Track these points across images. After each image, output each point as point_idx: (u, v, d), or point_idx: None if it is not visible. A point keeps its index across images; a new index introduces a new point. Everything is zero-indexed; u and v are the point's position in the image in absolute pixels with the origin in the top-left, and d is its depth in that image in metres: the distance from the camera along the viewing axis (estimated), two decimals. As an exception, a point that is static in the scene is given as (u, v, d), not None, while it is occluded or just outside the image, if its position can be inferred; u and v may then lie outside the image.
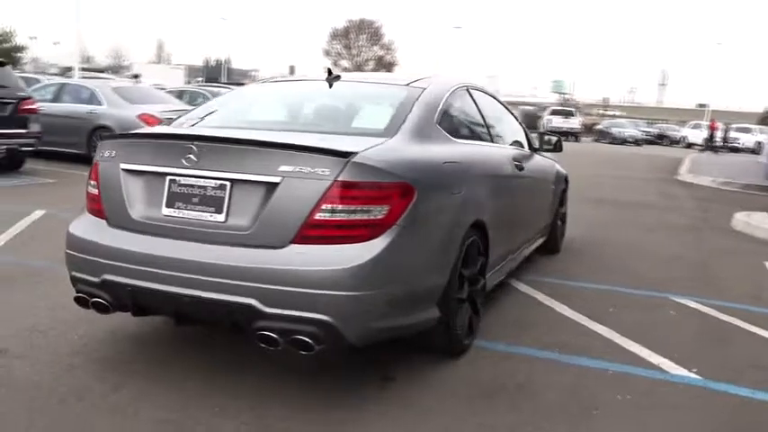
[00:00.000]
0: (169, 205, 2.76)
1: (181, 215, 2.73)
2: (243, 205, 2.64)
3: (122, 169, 2.88)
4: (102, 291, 2.81)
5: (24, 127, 9.40)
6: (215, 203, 2.68)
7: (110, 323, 3.39)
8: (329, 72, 3.70)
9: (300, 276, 2.49)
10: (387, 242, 2.59)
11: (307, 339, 2.50)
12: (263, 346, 2.57)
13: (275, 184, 2.57)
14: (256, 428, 2.50)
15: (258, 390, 2.82)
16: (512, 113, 4.92)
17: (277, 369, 3.03)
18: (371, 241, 2.57)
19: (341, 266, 2.50)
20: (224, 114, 3.57)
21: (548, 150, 5.18)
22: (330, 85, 3.67)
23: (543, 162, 5.22)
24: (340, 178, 2.53)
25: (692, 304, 4.44)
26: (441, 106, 3.39)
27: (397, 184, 2.66)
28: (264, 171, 2.59)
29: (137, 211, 2.82)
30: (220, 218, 2.66)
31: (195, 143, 2.71)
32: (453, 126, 3.57)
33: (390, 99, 3.35)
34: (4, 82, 9.71)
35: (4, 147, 9.11)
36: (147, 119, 10.60)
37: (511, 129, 4.85)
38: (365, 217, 2.57)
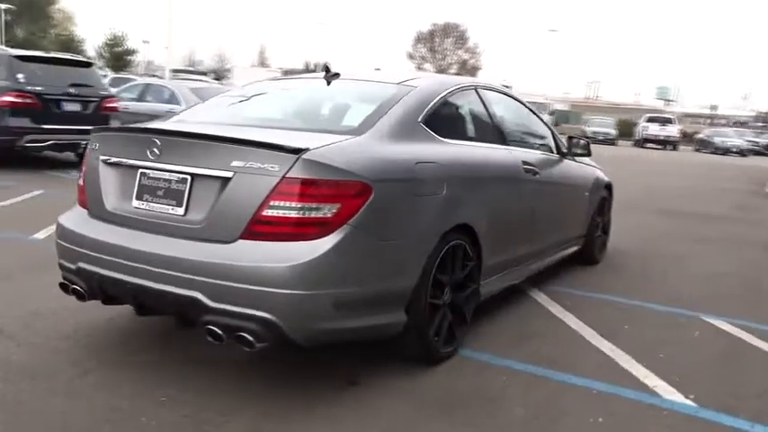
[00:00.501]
0: (139, 197, 2.84)
1: (148, 207, 2.80)
2: (200, 199, 2.67)
3: (101, 161, 2.99)
4: (78, 278, 2.92)
5: (105, 124, 10.00)
6: (177, 197, 2.72)
7: (109, 312, 3.51)
8: (327, 69, 3.68)
9: (246, 272, 2.48)
10: (336, 241, 2.53)
11: (249, 337, 2.49)
12: (210, 340, 2.58)
13: (228, 179, 2.59)
14: (195, 421, 2.51)
15: (210, 385, 2.83)
16: (538, 117, 4.71)
17: (241, 367, 3.04)
18: (319, 240, 2.52)
19: (285, 264, 2.47)
20: (217, 110, 3.64)
21: (578, 155, 4.91)
22: (328, 83, 3.65)
23: (575, 168, 4.97)
24: (289, 174, 2.50)
25: (724, 326, 4.07)
26: (430, 105, 3.29)
27: (351, 183, 2.60)
28: (219, 166, 2.61)
29: (111, 202, 2.92)
30: (180, 211, 2.71)
31: (158, 137, 2.77)
32: (446, 126, 3.46)
33: (375, 97, 3.28)
34: (89, 81, 10.41)
35: (86, 142, 9.74)
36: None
37: (533, 132, 4.65)
38: (314, 215, 2.52)
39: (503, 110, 4.20)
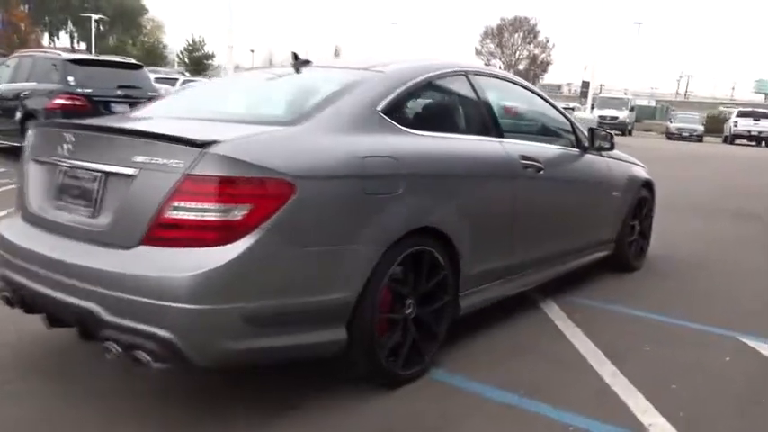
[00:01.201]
0: (57, 198, 2.61)
1: (64, 209, 2.57)
2: (109, 200, 2.40)
3: (31, 160, 2.78)
4: (4, 284, 2.73)
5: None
6: (88, 197, 2.47)
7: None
8: (295, 57, 3.35)
9: (142, 283, 2.19)
10: (245, 248, 2.20)
11: (146, 356, 2.19)
12: (108, 357, 2.30)
13: (132, 177, 2.30)
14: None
15: (132, 411, 2.56)
16: (555, 107, 4.19)
17: (167, 384, 2.76)
18: (226, 246, 2.19)
19: (185, 274, 2.15)
20: (177, 102, 3.38)
21: (601, 149, 4.36)
22: (297, 71, 3.32)
23: (600, 165, 4.41)
24: (192, 171, 2.19)
25: (766, 350, 3.45)
26: (395, 93, 2.89)
27: (266, 180, 2.25)
28: (123, 162, 2.33)
29: (35, 203, 2.71)
30: (90, 213, 2.45)
31: (71, 132, 2.53)
32: (416, 116, 3.06)
33: (334, 85, 2.92)
34: (138, 83, 10.60)
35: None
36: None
37: (544, 124, 4.15)
38: (221, 217, 2.20)
39: (501, 99, 3.73)
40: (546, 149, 3.85)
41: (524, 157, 3.49)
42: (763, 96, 74.27)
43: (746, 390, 2.98)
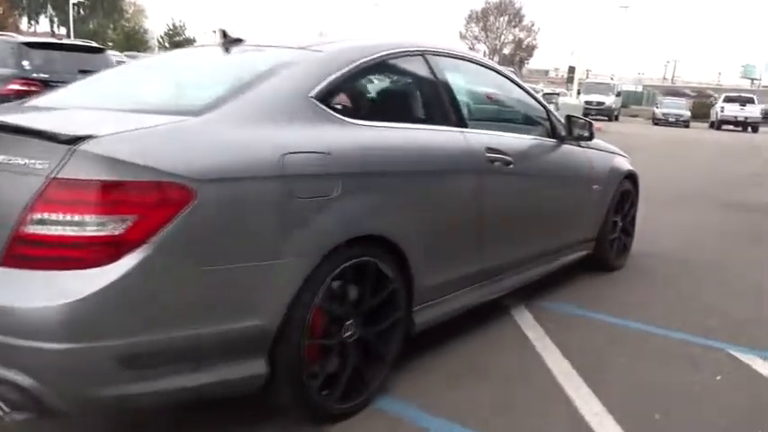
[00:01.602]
0: None
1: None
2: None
3: None
4: None
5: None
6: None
7: None
8: (224, 35, 2.90)
9: (-5, 314, 1.75)
10: (129, 269, 1.76)
11: (1, 405, 1.76)
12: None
13: (-10, 181, 1.85)
14: None
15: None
16: (529, 93, 3.76)
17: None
18: (103, 268, 1.75)
19: (48, 304, 1.72)
20: (80, 90, 2.90)
21: (579, 139, 3.94)
22: (226, 51, 2.87)
23: (579, 156, 4.00)
24: (58, 174, 1.75)
25: (762, 367, 3.07)
26: (333, 77, 2.45)
27: (155, 184, 1.81)
28: (-20, 162, 1.88)
29: None
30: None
31: None
32: (359, 103, 2.64)
33: (260, 67, 2.48)
34: (100, 67, 10.01)
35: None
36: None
37: (517, 112, 3.73)
38: (96, 232, 1.75)
39: (466, 83, 3.31)
40: (516, 140, 3.43)
41: (491, 150, 3.07)
42: (750, 81, 74.26)
43: (743, 419, 2.59)
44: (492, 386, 2.74)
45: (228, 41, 2.88)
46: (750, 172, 12.23)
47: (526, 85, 3.71)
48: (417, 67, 2.97)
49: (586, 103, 29.46)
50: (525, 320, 3.52)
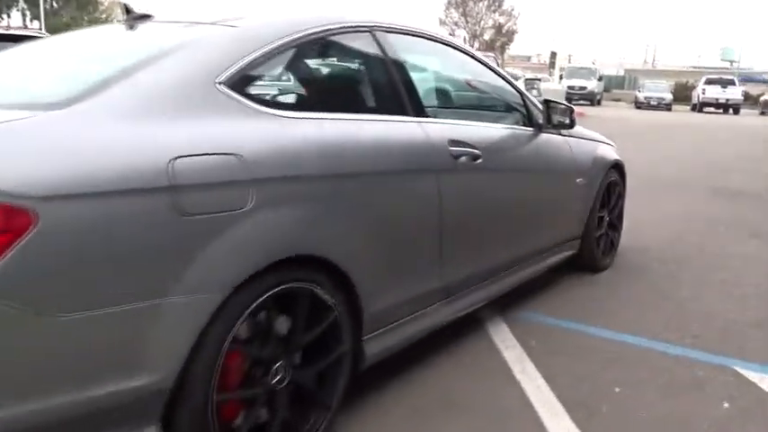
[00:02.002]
0: None
1: None
2: None
3: None
4: None
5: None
6: None
7: None
8: (127, 10, 2.39)
9: None
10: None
11: None
12: None
13: None
14: None
15: None
16: (501, 75, 3.28)
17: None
18: None
19: None
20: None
21: (560, 127, 3.47)
22: (131, 28, 2.37)
23: (560, 146, 3.54)
24: None
25: (774, 387, 2.64)
26: (251, 57, 1.96)
27: (-25, 208, 1.32)
28: None
29: None
30: None
31: None
32: (290, 90, 2.16)
33: (158, 47, 1.97)
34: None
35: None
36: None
37: (487, 97, 3.26)
38: None
39: (425, 65, 2.84)
40: (486, 130, 2.96)
41: (455, 143, 2.59)
42: (729, 63, 74.43)
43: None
44: (461, 425, 2.28)
45: (133, 18, 2.38)
46: (736, 155, 11.88)
47: (498, 67, 3.24)
48: (364, 46, 2.48)
49: (569, 88, 29.18)
50: (502, 337, 3.06)
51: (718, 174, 9.11)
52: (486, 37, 36.17)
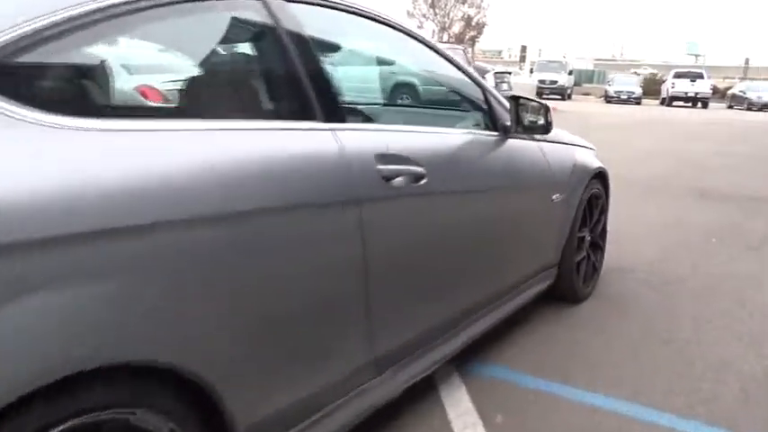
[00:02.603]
0: None
1: None
2: None
3: None
4: None
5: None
6: None
7: None
8: None
9: None
10: None
11: None
12: None
13: None
14: None
15: None
16: (455, 65, 2.52)
17: None
18: None
19: None
20: None
21: (532, 130, 2.73)
22: None
23: (531, 154, 2.81)
24: None
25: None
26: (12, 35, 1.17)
27: None
28: None
29: None
30: None
31: None
32: (86, 84, 1.37)
33: None
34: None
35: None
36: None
37: (437, 95, 2.52)
38: None
39: (348, 49, 2.07)
40: (434, 138, 2.21)
41: (387, 158, 1.83)
42: (695, 58, 75.06)
43: None
44: None
45: None
46: (716, 151, 11.35)
47: (451, 54, 2.47)
48: (250, 20, 1.71)
49: (539, 82, 28.70)
50: (458, 405, 2.33)
51: (701, 173, 8.53)
52: (456, 29, 35.34)
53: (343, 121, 1.80)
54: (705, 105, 31.28)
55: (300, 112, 1.72)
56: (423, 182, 1.94)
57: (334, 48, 2.07)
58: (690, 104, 31.48)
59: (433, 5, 34.66)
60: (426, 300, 2.10)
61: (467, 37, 35.88)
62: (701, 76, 32.45)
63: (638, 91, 33.67)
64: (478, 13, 36.20)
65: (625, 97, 32.67)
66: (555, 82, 30.98)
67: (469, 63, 15.85)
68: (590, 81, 49.20)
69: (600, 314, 3.30)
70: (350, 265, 1.71)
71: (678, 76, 32.73)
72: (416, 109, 2.54)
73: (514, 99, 2.57)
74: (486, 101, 2.58)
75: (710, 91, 32.58)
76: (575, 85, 36.22)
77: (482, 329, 2.50)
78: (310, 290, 1.59)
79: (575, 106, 25.51)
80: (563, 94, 31.32)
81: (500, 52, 71.51)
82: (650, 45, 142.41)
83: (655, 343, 2.96)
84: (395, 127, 2.07)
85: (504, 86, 16.10)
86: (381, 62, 2.49)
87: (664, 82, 35.27)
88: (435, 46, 2.43)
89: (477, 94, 2.59)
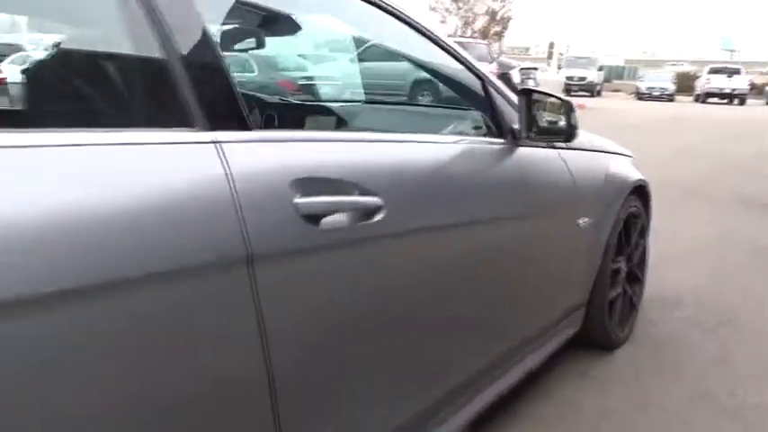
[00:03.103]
0: None
1: None
2: None
3: None
4: None
5: None
6: None
7: None
8: None
9: None
10: None
11: None
12: None
13: None
14: None
15: None
16: (446, 48, 1.83)
17: None
18: None
19: None
20: None
21: (551, 136, 2.04)
22: None
23: (551, 168, 2.12)
24: None
25: None
26: None
27: None
28: None
29: None
30: None
31: None
32: None
33: None
34: None
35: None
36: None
37: (416, 85, 2.02)
38: None
39: (264, 20, 1.41)
40: (400, 152, 1.53)
41: (309, 187, 1.16)
42: (729, 54, 72.93)
43: None
44: None
45: None
46: (757, 152, 10.44)
47: (437, 33, 1.79)
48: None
49: (567, 78, 27.85)
50: None
51: (743, 177, 7.70)
52: (480, 24, 34.26)
53: (243, 127, 1.14)
54: (742, 102, 30.01)
55: (164, 115, 1.06)
56: (377, 218, 1.27)
57: (241, 31, 1.42)
58: (726, 101, 30.28)
59: (456, 0, 33.67)
60: (384, 392, 1.43)
61: (491, 32, 34.88)
62: (737, 72, 31.20)
63: (671, 87, 32.51)
64: (503, 7, 35.15)
65: (657, 94, 31.58)
66: (584, 78, 29.99)
67: (492, 59, 15.08)
68: (620, 77, 47.89)
69: (639, 369, 2.58)
70: (240, 361, 1.05)
71: (714, 71, 31.48)
72: (385, 108, 1.87)
73: (525, 93, 1.87)
74: (488, 96, 1.90)
75: (748, 87, 31.28)
76: (605, 81, 35.13)
77: (474, 413, 1.81)
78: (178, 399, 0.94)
79: (604, 103, 24.51)
80: (592, 90, 30.33)
81: (528, 49, 70.22)
82: (683, 41, 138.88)
83: (714, 416, 2.24)
84: (336, 135, 1.41)
85: (531, 83, 15.32)
86: (322, 44, 1.82)
87: (698, 78, 34.01)
88: (415, 21, 1.75)
89: (474, 87, 1.90)
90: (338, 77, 1.92)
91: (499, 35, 35.70)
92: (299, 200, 1.13)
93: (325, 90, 1.84)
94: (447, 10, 33.59)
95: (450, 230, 1.54)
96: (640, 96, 31.97)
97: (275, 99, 1.65)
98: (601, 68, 33.56)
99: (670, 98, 31.44)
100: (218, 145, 1.06)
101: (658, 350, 2.76)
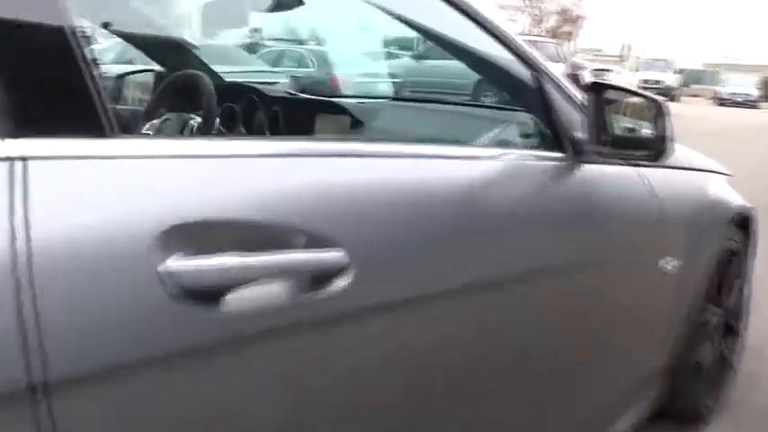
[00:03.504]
0: None
1: None
2: None
3: None
4: None
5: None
6: None
7: None
8: None
9: None
10: None
11: None
12: None
13: None
14: None
15: None
16: (499, 36, 1.30)
17: None
18: None
19: None
20: None
21: (631, 148, 1.47)
22: None
23: (628, 191, 1.55)
24: None
25: None
26: None
27: None
28: None
29: None
30: None
31: None
32: None
33: None
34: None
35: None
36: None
37: (452, 78, 1.36)
38: None
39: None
40: (396, 168, 1.01)
41: (194, 237, 0.67)
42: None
43: None
44: None
45: None
46: None
47: (473, 4, 1.27)
48: None
49: (643, 81, 26.49)
50: None
51: None
52: (550, 24, 32.98)
53: (87, 133, 0.66)
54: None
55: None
56: (337, 286, 0.77)
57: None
58: (811, 109, 28.31)
59: (527, -3, 32.53)
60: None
61: (562, 31, 33.58)
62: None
63: (756, 93, 30.64)
64: (575, 4, 33.76)
65: (740, 99, 29.84)
66: (660, 82, 28.53)
67: (561, 59, 14.26)
68: (699, 82, 45.65)
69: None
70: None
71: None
72: (385, 108, 1.36)
73: (595, 89, 1.32)
74: (543, 94, 1.35)
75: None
76: (682, 86, 33.40)
77: None
78: None
79: (682, 108, 23.13)
80: (669, 95, 28.80)
81: (601, 50, 68.16)
82: (766, 46, 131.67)
83: None
84: (286, 146, 0.90)
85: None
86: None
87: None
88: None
89: (526, 80, 1.37)
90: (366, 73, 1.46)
91: (570, 35, 34.37)
92: (173, 263, 0.63)
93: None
94: (516, 7, 32.47)
95: (466, 297, 1.02)
96: (721, 102, 30.30)
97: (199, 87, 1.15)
98: (679, 72, 31.91)
99: (753, 105, 29.66)
100: (19, 163, 0.58)
101: (764, 424, 2.14)
